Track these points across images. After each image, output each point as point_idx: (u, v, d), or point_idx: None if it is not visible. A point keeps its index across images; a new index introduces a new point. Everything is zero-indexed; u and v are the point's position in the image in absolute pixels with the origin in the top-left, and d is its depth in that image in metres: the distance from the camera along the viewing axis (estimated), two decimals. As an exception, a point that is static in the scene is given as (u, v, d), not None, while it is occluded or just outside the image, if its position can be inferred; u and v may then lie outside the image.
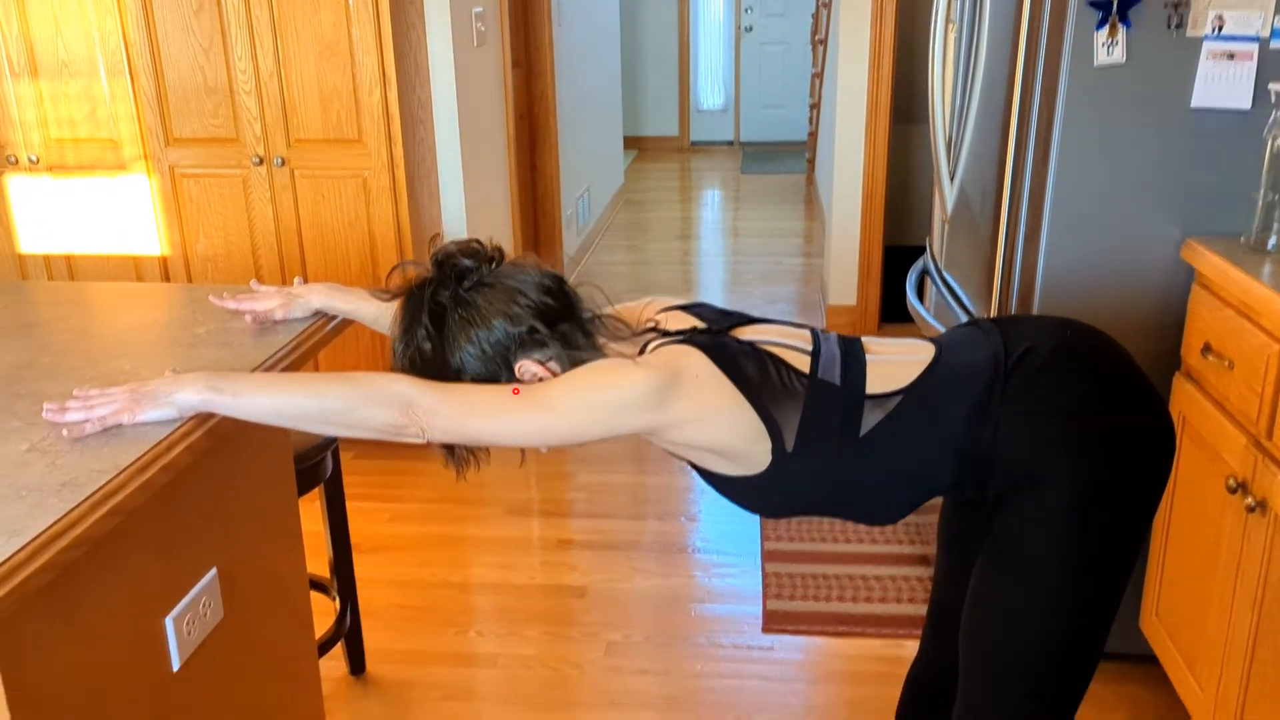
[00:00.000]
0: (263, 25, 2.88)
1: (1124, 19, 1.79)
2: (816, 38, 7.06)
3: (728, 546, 2.76)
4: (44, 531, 0.97)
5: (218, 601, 1.32)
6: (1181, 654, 1.92)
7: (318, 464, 1.94)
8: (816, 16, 7.07)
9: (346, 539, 2.17)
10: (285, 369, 1.39)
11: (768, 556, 2.68)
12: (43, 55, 2.98)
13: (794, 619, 2.43)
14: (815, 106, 7.10)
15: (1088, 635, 1.30)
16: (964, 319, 2.21)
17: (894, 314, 4.39)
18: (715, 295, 4.92)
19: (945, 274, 2.45)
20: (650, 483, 3.13)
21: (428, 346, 1.26)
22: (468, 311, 1.26)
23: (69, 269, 3.19)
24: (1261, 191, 1.77)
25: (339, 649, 2.29)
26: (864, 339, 1.36)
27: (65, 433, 1.17)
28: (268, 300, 1.57)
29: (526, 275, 1.30)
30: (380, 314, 1.51)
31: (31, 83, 3.01)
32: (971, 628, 1.34)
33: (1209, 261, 1.79)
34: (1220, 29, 1.78)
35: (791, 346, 1.32)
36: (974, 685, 1.35)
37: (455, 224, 3.37)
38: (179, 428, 1.19)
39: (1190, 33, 1.79)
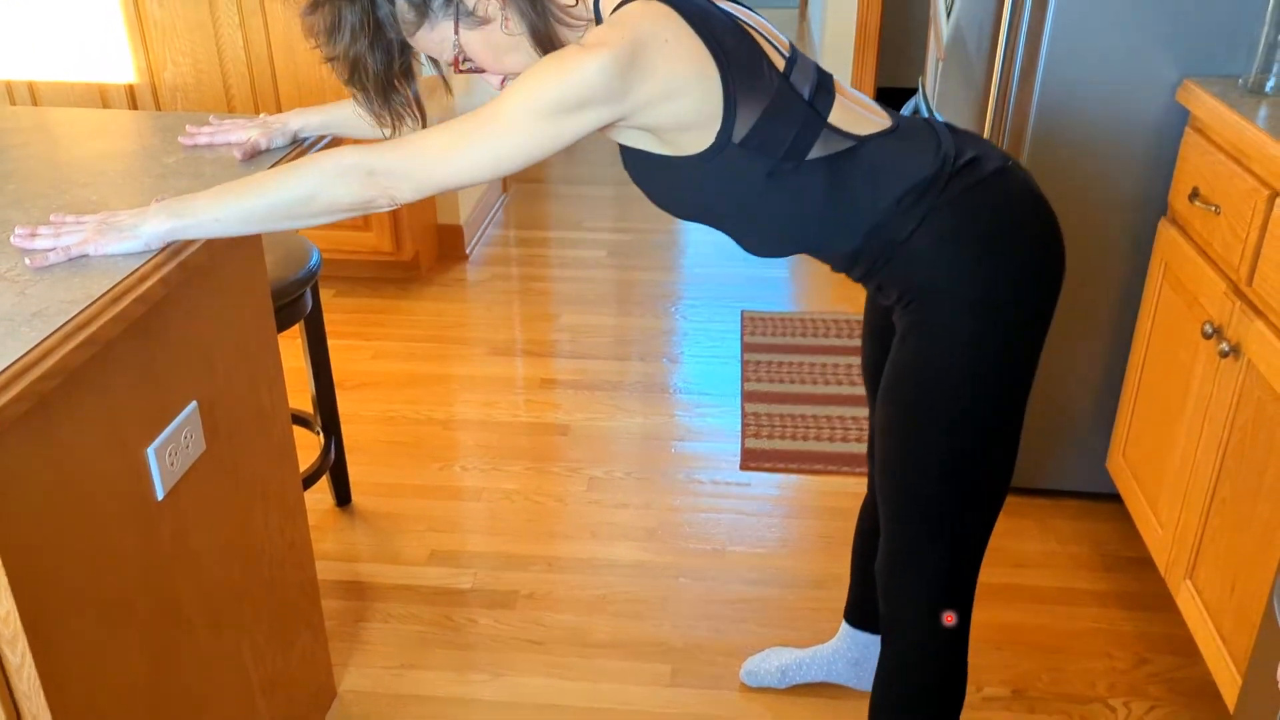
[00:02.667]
0: None
1: None
2: None
3: (708, 387, 2.80)
4: (17, 361, 0.96)
5: (199, 433, 1.33)
6: (1144, 493, 1.98)
7: (297, 300, 1.92)
8: None
9: (329, 374, 2.18)
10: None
11: (747, 397, 2.72)
12: None
13: (771, 457, 2.49)
14: (811, -64, 6.79)
15: (989, 460, 1.32)
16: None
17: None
18: (702, 135, 4.82)
19: (937, 114, 2.39)
20: (634, 324, 3.14)
21: None
22: None
23: (32, 95, 3.08)
24: (1265, 30, 1.72)
25: (325, 482, 2.34)
26: (839, 80, 1.32)
27: (28, 261, 1.15)
28: (244, 130, 1.53)
29: None
30: (356, 112, 1.47)
31: (-21, -107, 2.83)
32: (881, 455, 1.36)
33: (1204, 103, 1.75)
34: None
35: (769, 40, 1.26)
36: (887, 513, 1.38)
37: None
38: (150, 259, 1.17)
39: None
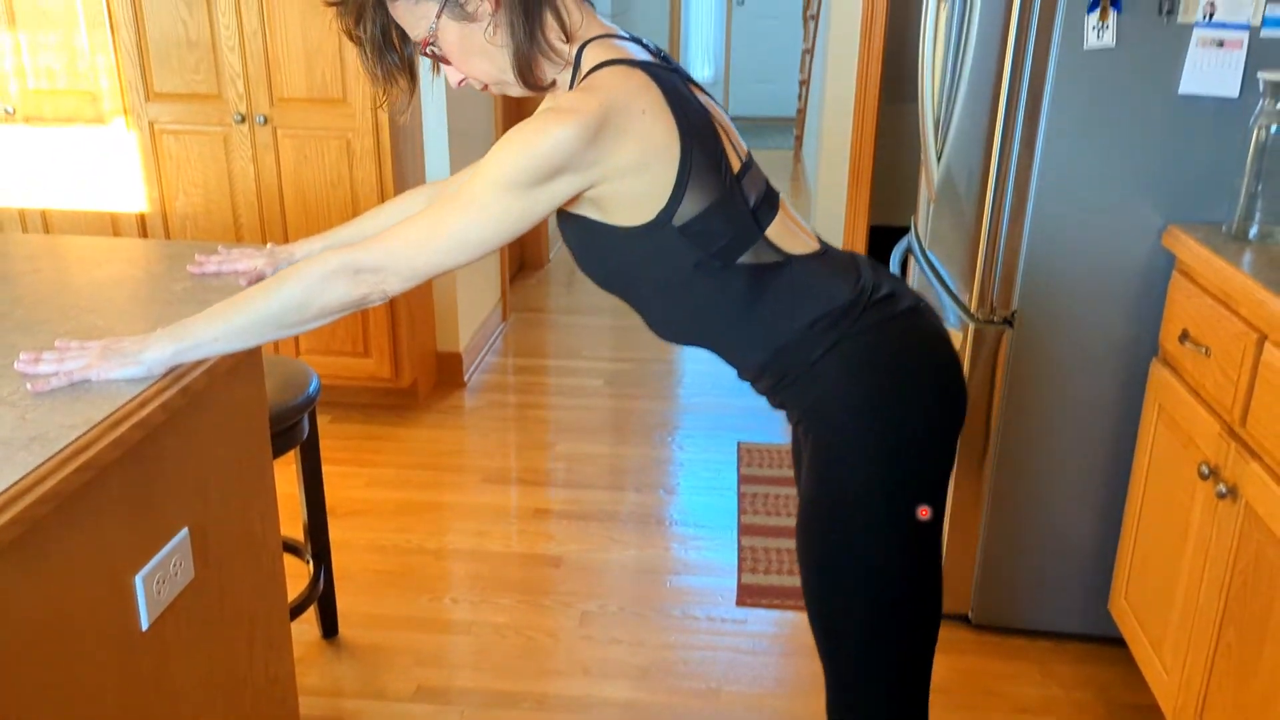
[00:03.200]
0: (247, -20, 2.84)
1: (1115, 3, 1.79)
2: (809, 13, 7.02)
3: (704, 519, 2.77)
4: (12, 486, 0.96)
5: (189, 561, 1.31)
6: (1148, 636, 1.94)
7: (294, 426, 1.92)
8: (809, -9, 7.02)
9: (321, 502, 2.16)
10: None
11: (744, 530, 2.70)
12: (21, 4, 2.92)
13: (768, 593, 2.45)
14: (805, 83, 7.07)
15: (902, 592, 1.30)
16: (946, 299, 2.22)
17: (877, 293, 4.39)
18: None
19: (929, 253, 2.45)
20: (630, 454, 3.13)
21: None
22: None
23: (44, 223, 3.15)
24: (1245, 180, 1.78)
25: (311, 612, 2.29)
26: (783, 199, 1.34)
27: (29, 386, 1.16)
28: (251, 259, 1.56)
29: None
30: (360, 230, 1.52)
31: (9, 32, 2.95)
32: (804, 589, 1.35)
33: (1190, 249, 1.80)
34: (1211, 15, 1.78)
35: (732, 142, 1.28)
36: (821, 651, 1.37)
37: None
38: (153, 385, 1.18)
39: (1181, 19, 1.79)
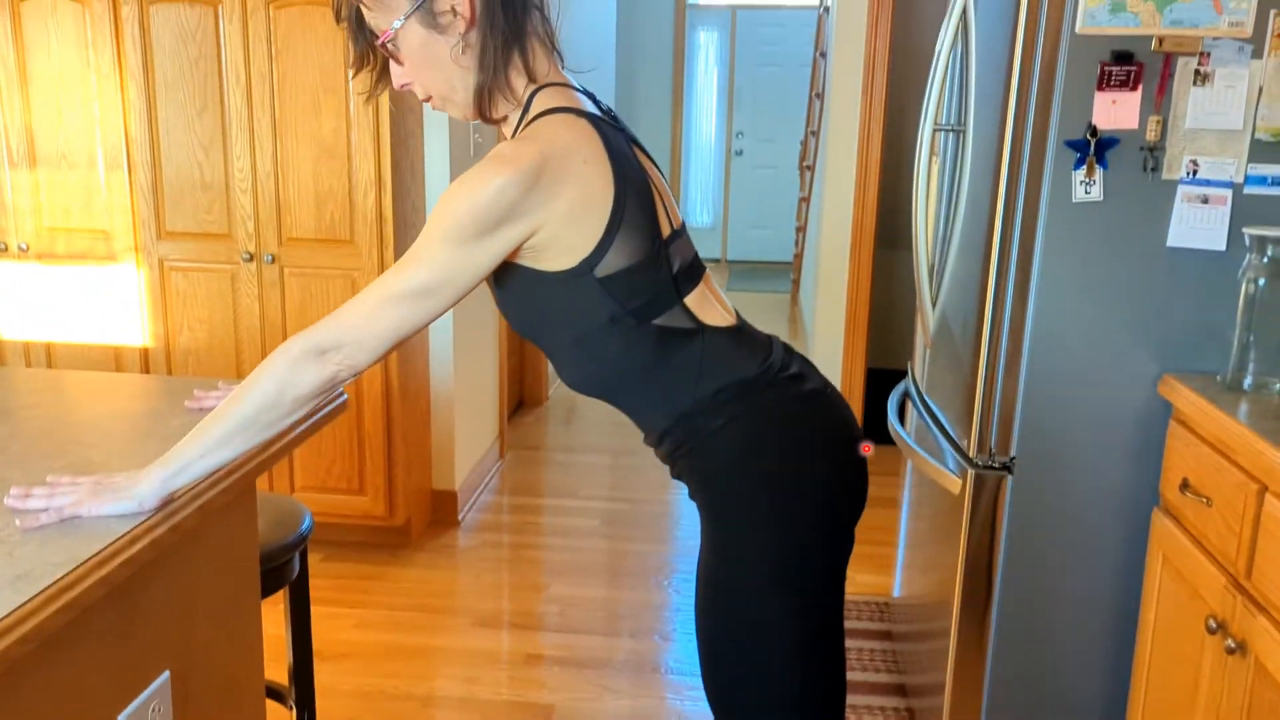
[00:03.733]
0: (264, 127, 2.94)
1: (1101, 160, 1.85)
2: (804, 163, 7.25)
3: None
4: (-7, 625, 0.93)
5: (168, 706, 1.27)
6: (1162, 799, 1.86)
7: (284, 565, 1.89)
8: (805, 143, 7.28)
9: (308, 646, 2.10)
10: (273, 456, 1.38)
11: (741, 679, 2.62)
12: (43, 146, 3.02)
13: (766, 747, 2.35)
14: (801, 229, 7.25)
15: (794, 677, 1.29)
16: (945, 444, 2.22)
17: (875, 435, 4.39)
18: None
19: (926, 398, 2.46)
20: (625, 598, 3.07)
21: None
22: None
23: (48, 356, 3.17)
24: (1237, 332, 1.80)
25: (292, 761, 2.20)
26: (707, 272, 1.36)
27: (18, 522, 1.14)
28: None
29: None
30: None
31: (29, 171, 3.04)
32: (701, 668, 1.35)
33: (1186, 398, 1.81)
34: (1195, 173, 1.84)
35: (666, 208, 1.30)
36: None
37: (439, 325, 3.38)
38: (142, 521, 1.17)
39: (1165, 176, 1.85)
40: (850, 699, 2.54)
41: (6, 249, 3.09)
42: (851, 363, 4.28)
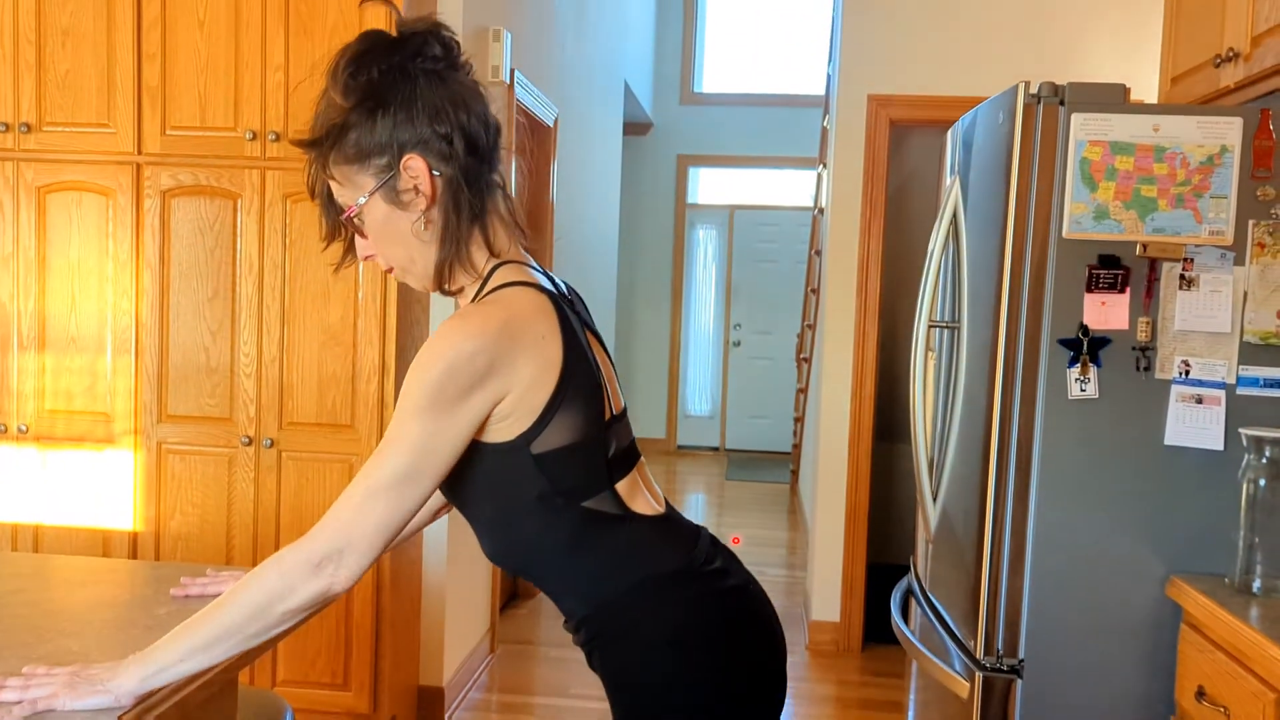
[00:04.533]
0: (272, 313, 3.01)
1: (1095, 359, 1.88)
2: (801, 355, 7.38)
3: None
4: (-53, 833, 0.88)
5: None
6: None
7: (261, 766, 1.80)
8: (801, 336, 7.43)
9: None
10: (258, 651, 1.33)
11: None
12: (53, 331, 3.08)
13: None
14: (799, 420, 7.29)
15: None
16: (951, 645, 2.15)
17: (877, 633, 4.28)
18: (695, 603, 4.81)
19: (930, 595, 2.41)
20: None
21: (364, 82, 1.21)
22: (407, 87, 1.21)
23: (35, 539, 3.12)
24: (1241, 534, 1.78)
25: None
26: (642, 460, 1.35)
27: (-7, 717, 1.10)
28: (235, 582, 1.53)
29: (479, 97, 1.26)
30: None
31: (37, 355, 3.08)
32: None
33: (1196, 601, 1.77)
34: (1187, 373, 1.87)
35: (609, 394, 1.29)
36: None
37: (438, 522, 3.34)
38: (119, 717, 1.12)
39: (1159, 375, 1.88)
40: None
41: (6, 430, 3.09)
42: (852, 557, 4.22)
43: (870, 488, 4.24)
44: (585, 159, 5.63)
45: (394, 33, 1.25)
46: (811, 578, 4.32)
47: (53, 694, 1.14)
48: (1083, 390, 1.89)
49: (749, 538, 6.13)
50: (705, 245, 8.86)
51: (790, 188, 8.73)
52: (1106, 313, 1.88)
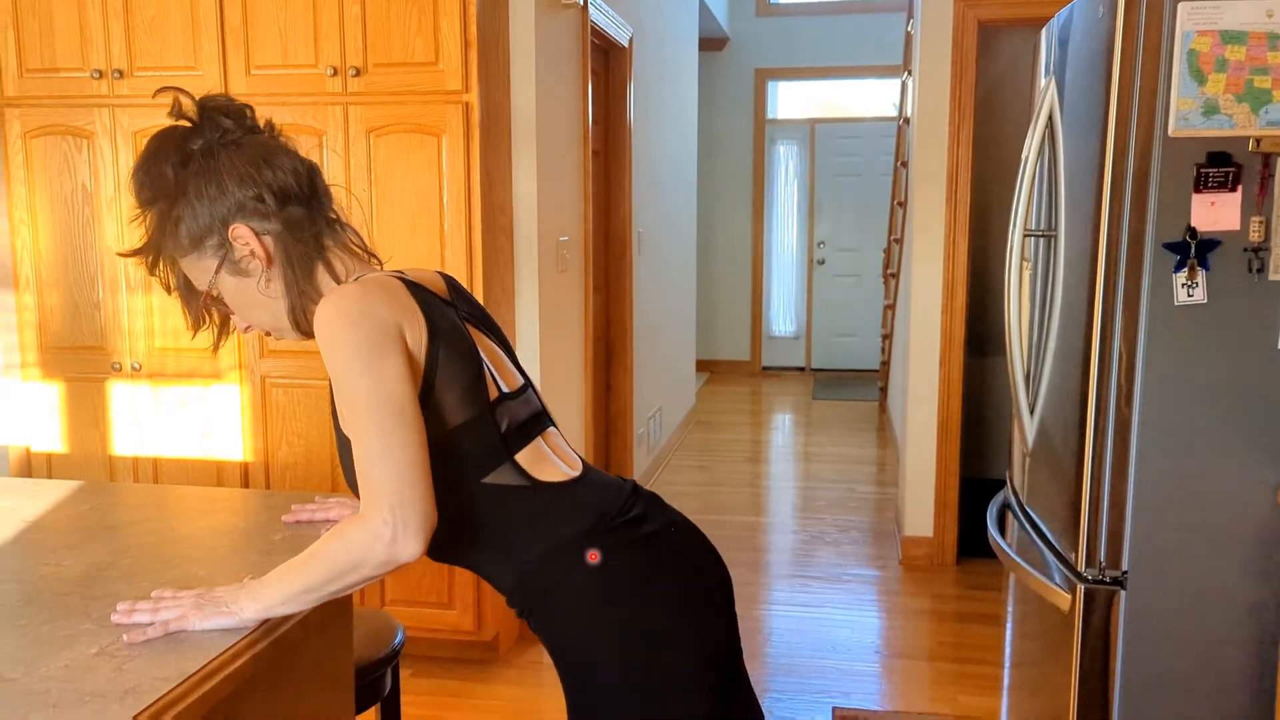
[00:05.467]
0: (362, 248, 3.06)
1: (1202, 262, 1.81)
2: (889, 271, 7.25)
3: (798, 793, 2.58)
4: (101, 742, 0.94)
5: (264, 827, 1.26)
6: None
7: (377, 680, 1.88)
8: (888, 252, 7.28)
9: (399, 763, 2.08)
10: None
11: (841, 807, 2.49)
12: (158, 270, 3.18)
13: None
14: (887, 337, 7.19)
15: None
16: (1051, 558, 2.13)
17: (972, 546, 4.26)
18: (786, 520, 4.85)
19: (1029, 509, 2.38)
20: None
21: (169, 176, 1.27)
22: (209, 164, 1.28)
23: (155, 471, 3.28)
24: (1361, 436, 1.71)
25: None
26: (552, 430, 1.38)
27: (125, 637, 1.16)
28: (342, 508, 1.59)
29: (281, 151, 1.32)
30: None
31: (145, 296, 3.20)
32: None
33: (1311, 507, 1.71)
34: (1303, 273, 1.78)
35: (493, 372, 1.32)
36: None
37: (530, 440, 3.40)
38: (245, 637, 1.18)
39: (1272, 276, 1.80)
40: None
41: (121, 369, 3.23)
42: (945, 473, 4.18)
43: (962, 402, 4.18)
44: (661, 78, 5.54)
45: (179, 122, 1.31)
46: (903, 493, 4.31)
47: (182, 616, 1.20)
48: (1190, 295, 1.82)
49: (837, 455, 6.12)
50: (786, 161, 8.69)
51: (873, 98, 8.48)
52: (1216, 213, 1.79)
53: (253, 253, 1.29)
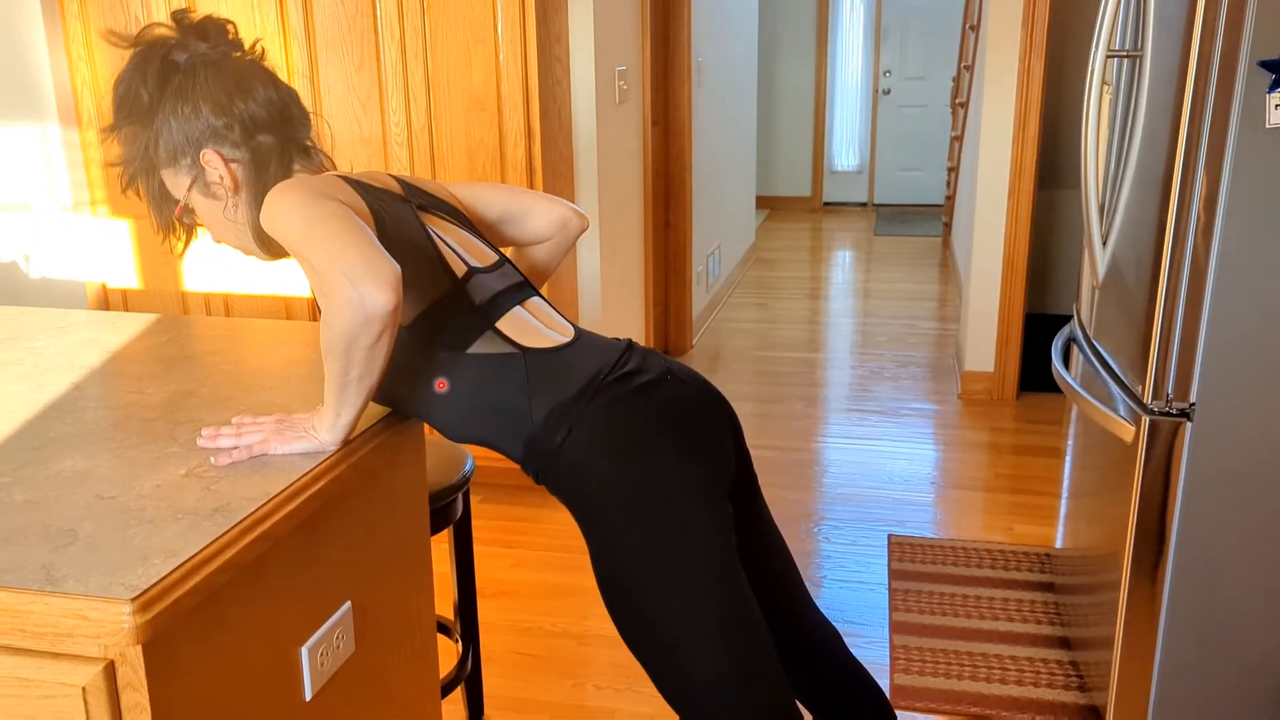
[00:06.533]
0: (417, 81, 3.01)
1: (1300, 81, 1.70)
2: (957, 100, 6.97)
3: (853, 616, 2.68)
4: (197, 553, 1.00)
5: (350, 635, 1.34)
6: (1357, 766, 1.75)
7: (449, 505, 1.96)
8: (958, 80, 6.99)
9: (472, 583, 2.19)
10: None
11: (896, 628, 2.59)
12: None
13: (923, 696, 2.33)
14: (953, 170, 6.99)
15: (714, 663, 1.30)
16: (1116, 390, 2.11)
17: (1033, 382, 4.24)
18: (844, 356, 4.85)
19: (1096, 343, 2.35)
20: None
21: (145, 98, 1.31)
22: (189, 83, 1.31)
23: (225, 307, 3.36)
24: None
25: (459, 693, 2.30)
26: (536, 299, 1.42)
27: (213, 460, 1.22)
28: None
29: (259, 78, 1.35)
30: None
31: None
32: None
33: (1394, 339, 1.66)
34: None
35: (457, 250, 1.36)
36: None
37: (589, 278, 3.42)
38: (325, 460, 1.23)
39: (1375, 96, 1.69)
40: (1011, 650, 2.48)
41: (185, 207, 3.27)
42: (1009, 308, 4.12)
43: (1030, 237, 4.08)
44: (722, -105, 5.24)
45: (162, 34, 1.32)
46: (965, 328, 4.27)
47: (264, 440, 1.25)
48: (1282, 118, 1.73)
49: (898, 291, 6.06)
50: (852, -15, 8.28)
51: (947, -87, 7.96)
52: (1319, 27, 1.68)
53: (221, 179, 1.33)
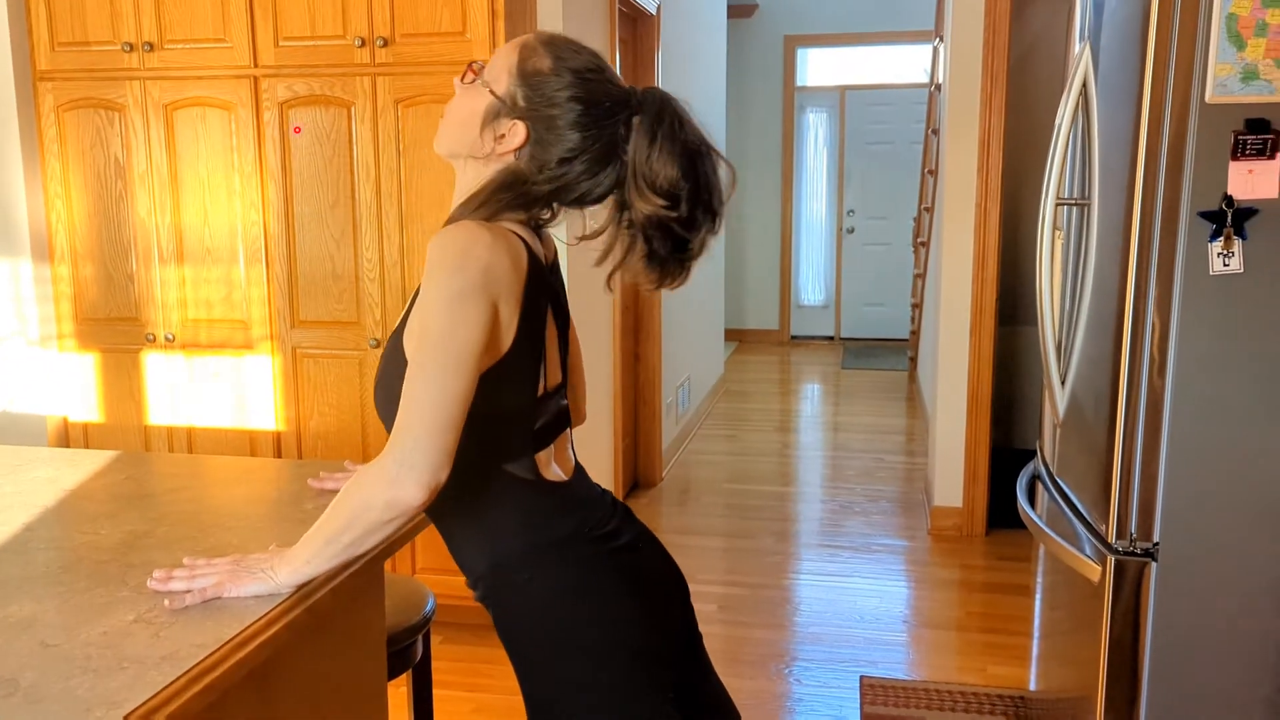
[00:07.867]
0: (391, 218, 3.07)
1: (1239, 231, 1.78)
2: (919, 240, 7.18)
3: (825, 761, 2.60)
4: (140, 706, 0.97)
5: (299, 789, 1.28)
6: None
7: (409, 648, 1.91)
8: (919, 220, 7.22)
9: (430, 728, 2.11)
10: (399, 542, 1.41)
11: (868, 775, 2.51)
12: (190, 243, 3.21)
13: None
14: (917, 306, 7.14)
15: None
16: (1081, 529, 2.12)
17: (1002, 517, 4.24)
18: (815, 490, 4.85)
19: (1059, 480, 2.36)
20: (744, 687, 3.00)
21: (590, 85, 1.42)
22: (586, 117, 1.37)
23: (189, 441, 3.33)
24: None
25: (413, 847, 2.19)
26: (571, 430, 1.42)
27: (167, 603, 1.19)
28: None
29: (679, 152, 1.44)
30: None
31: (176, 268, 3.23)
32: None
33: (1347, 479, 1.69)
34: (1343, 242, 1.75)
35: (552, 365, 1.37)
36: None
37: (558, 410, 3.41)
38: (281, 603, 1.20)
39: (1312, 245, 1.76)
40: (986, 799, 2.40)
41: (155, 339, 3.27)
42: (975, 444, 4.16)
43: (993, 372, 4.15)
44: (690, 45, 5.49)
45: (614, 87, 1.45)
46: (933, 463, 4.29)
47: (218, 583, 1.23)
48: (1225, 265, 1.79)
49: (867, 425, 6.10)
50: (815, 129, 8.61)
51: (904, 65, 8.37)
52: (1254, 181, 1.76)
53: (501, 137, 1.33)
